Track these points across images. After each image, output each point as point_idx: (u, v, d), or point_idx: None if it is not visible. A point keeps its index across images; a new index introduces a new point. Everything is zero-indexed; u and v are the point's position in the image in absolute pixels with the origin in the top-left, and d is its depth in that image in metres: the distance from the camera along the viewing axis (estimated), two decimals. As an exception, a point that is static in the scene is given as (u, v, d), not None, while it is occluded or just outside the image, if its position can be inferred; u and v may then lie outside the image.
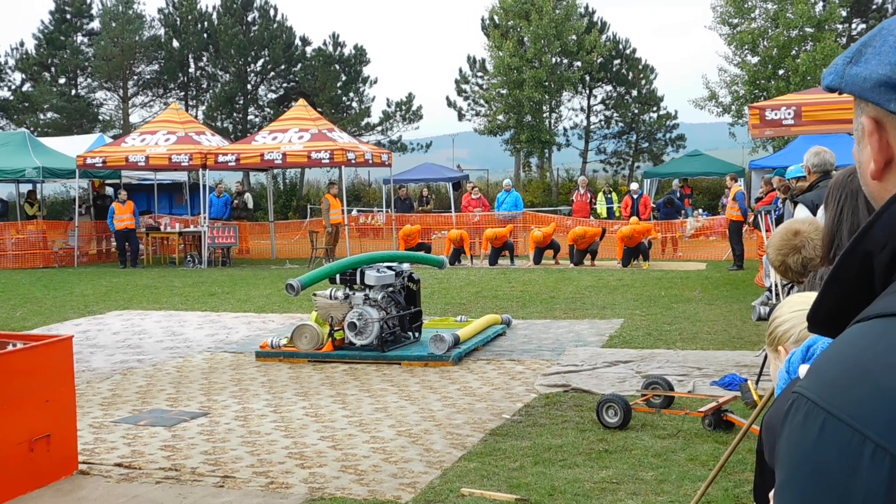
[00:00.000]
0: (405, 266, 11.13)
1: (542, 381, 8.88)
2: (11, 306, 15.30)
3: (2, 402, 5.61)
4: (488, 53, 40.19)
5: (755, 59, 35.14)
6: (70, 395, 6.27)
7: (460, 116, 42.39)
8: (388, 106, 44.29)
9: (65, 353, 6.22)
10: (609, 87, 41.81)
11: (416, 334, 10.88)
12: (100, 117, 44.58)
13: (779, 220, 11.65)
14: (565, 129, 42.09)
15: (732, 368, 8.95)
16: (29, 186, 27.16)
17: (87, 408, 8.05)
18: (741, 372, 8.66)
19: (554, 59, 38.09)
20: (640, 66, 41.25)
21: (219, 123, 42.20)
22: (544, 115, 39.68)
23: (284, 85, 44.61)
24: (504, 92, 38.51)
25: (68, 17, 43.87)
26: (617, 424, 6.95)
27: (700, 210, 29.07)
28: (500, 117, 39.35)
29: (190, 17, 43.24)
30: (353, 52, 44.21)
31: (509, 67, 37.13)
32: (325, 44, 43.98)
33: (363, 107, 44.14)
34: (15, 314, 14.33)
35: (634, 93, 41.29)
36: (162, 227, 24.46)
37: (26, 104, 42.69)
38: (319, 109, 32.07)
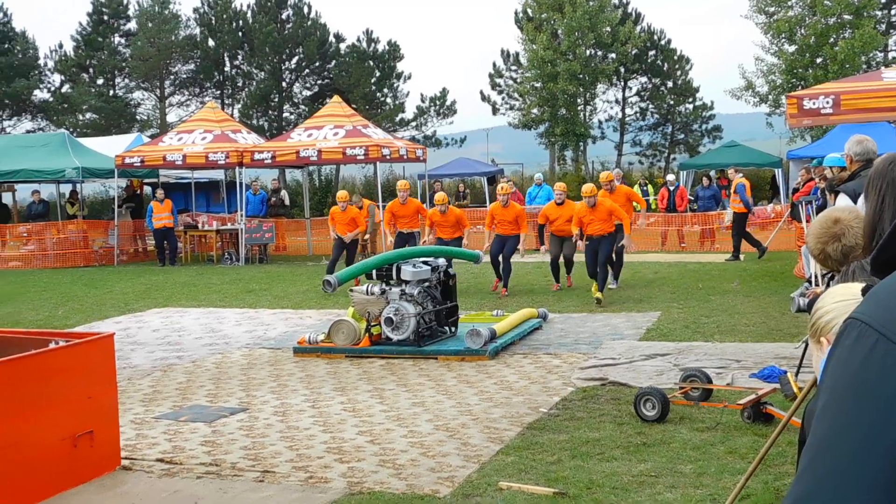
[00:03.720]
0: (441, 261, 11.15)
1: (579, 374, 8.86)
2: (53, 305, 15.52)
3: (46, 399, 5.70)
4: (522, 47, 40.10)
5: (792, 48, 34.73)
6: (112, 391, 6.35)
7: (494, 111, 42.33)
8: (423, 101, 44.37)
9: (106, 351, 6.30)
10: (644, 79, 41.55)
11: (453, 329, 10.89)
12: (137, 117, 45.07)
13: (819, 210, 11.52)
14: (600, 122, 41.92)
15: (771, 360, 8.87)
16: (69, 187, 27.51)
17: (129, 404, 8.16)
18: (780, 364, 8.58)
19: (588, 52, 37.90)
20: (676, 57, 40.95)
21: (254, 121, 42.49)
22: (579, 108, 39.50)
23: (319, 82, 44.80)
24: (538, 85, 38.39)
25: (105, 18, 44.37)
26: (655, 417, 6.93)
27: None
28: (535, 111, 39.23)
29: (225, 16, 43.55)
30: (387, 47, 44.30)
31: (543, 60, 36.99)
32: (358, 40, 44.14)
33: (397, 102, 44.22)
34: (57, 313, 14.53)
35: (670, 84, 41.01)
36: (200, 226, 24.68)
37: (65, 105, 43.26)
38: (354, 106, 32.16)
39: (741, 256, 19.21)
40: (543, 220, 15.20)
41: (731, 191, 19.76)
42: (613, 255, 14.40)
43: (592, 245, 13.71)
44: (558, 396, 7.98)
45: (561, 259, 15.06)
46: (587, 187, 14.49)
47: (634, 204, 17.14)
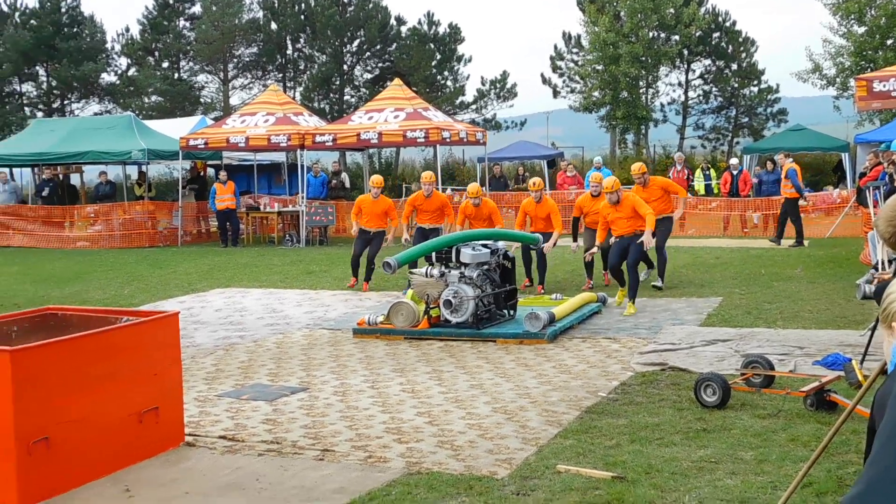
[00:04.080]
0: (500, 244, 11.15)
1: (639, 359, 8.81)
2: (119, 284, 15.85)
3: (114, 375, 5.84)
4: (584, 29, 39.69)
5: (862, 29, 33.87)
6: (177, 369, 6.47)
7: (555, 93, 42.02)
8: (483, 84, 44.19)
9: (172, 329, 6.43)
10: (708, 61, 40.86)
11: (512, 312, 10.90)
12: (201, 100, 45.63)
13: (888, 195, 11.27)
14: (662, 105, 41.33)
15: (836, 348, 8.73)
16: (135, 168, 28.00)
17: (192, 382, 8.31)
18: (845, 351, 8.44)
19: (651, 34, 37.39)
20: (740, 39, 40.18)
21: (316, 104, 42.74)
22: (641, 91, 39.01)
23: (380, 65, 44.89)
24: (600, 68, 37.99)
25: (171, 2, 44.95)
26: (715, 403, 6.87)
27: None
28: (596, 94, 38.85)
29: (287, 0, 43.83)
30: (448, 30, 44.20)
31: (605, 43, 36.59)
32: (419, 23, 44.08)
33: (458, 85, 44.13)
34: (123, 292, 14.84)
35: (734, 66, 40.27)
36: (261, 207, 24.98)
37: (131, 88, 43.96)
38: (414, 89, 32.21)
39: (805, 242, 18.93)
40: (578, 213, 13.90)
41: (783, 176, 19.55)
42: (656, 251, 13.29)
43: (622, 241, 12.03)
44: (617, 381, 7.95)
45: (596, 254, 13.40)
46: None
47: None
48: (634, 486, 5.26)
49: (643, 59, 36.94)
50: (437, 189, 15.88)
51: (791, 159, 20.42)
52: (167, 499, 5.35)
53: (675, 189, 14.23)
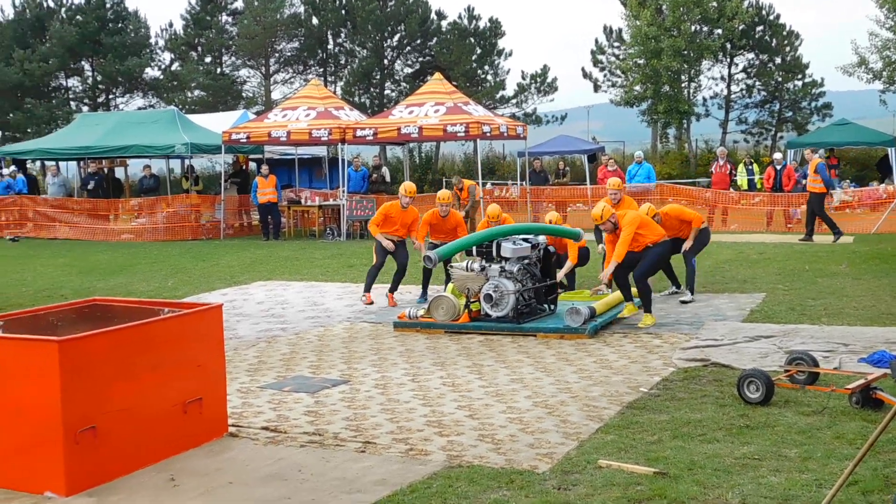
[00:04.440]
0: (541, 238, 11.12)
1: (681, 355, 8.75)
2: (163, 276, 16.03)
3: (158, 366, 5.91)
4: (625, 23, 39.42)
5: (910, 22, 33.32)
6: (220, 360, 6.54)
7: (596, 88, 41.80)
8: (523, 78, 44.08)
9: (215, 321, 6.49)
10: (751, 55, 40.38)
11: (552, 307, 10.88)
12: (243, 94, 45.99)
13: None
14: (704, 99, 40.94)
15: (882, 345, 8.61)
16: (178, 162, 28.29)
17: (235, 373, 8.39)
18: (891, 349, 8.33)
19: (693, 27, 37.04)
20: (784, 33, 39.67)
21: (356, 98, 42.90)
22: (683, 85, 38.68)
23: (420, 59, 44.95)
24: (641, 62, 37.70)
25: (213, -3, 45.37)
26: (758, 400, 6.80)
27: (848, 181, 27.90)
28: (637, 88, 38.57)
29: (328, -5, 44.01)
30: (488, 24, 44.13)
31: (647, 37, 36.29)
32: (459, 17, 44.06)
33: (498, 80, 44.06)
34: (166, 284, 15.01)
35: (778, 60, 39.78)
36: (302, 201, 25.12)
37: (175, 83, 44.42)
38: (455, 83, 32.18)
39: (841, 233, 18.80)
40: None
41: (811, 171, 19.34)
42: (684, 261, 12.17)
43: (632, 255, 10.66)
44: (659, 376, 7.91)
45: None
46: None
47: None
48: (676, 482, 5.23)
49: (685, 52, 36.62)
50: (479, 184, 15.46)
51: (818, 154, 20.33)
52: (211, 488, 5.41)
53: (688, 217, 12.39)
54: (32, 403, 5.34)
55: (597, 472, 5.46)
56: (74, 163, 29.06)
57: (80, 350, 5.38)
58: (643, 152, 26.15)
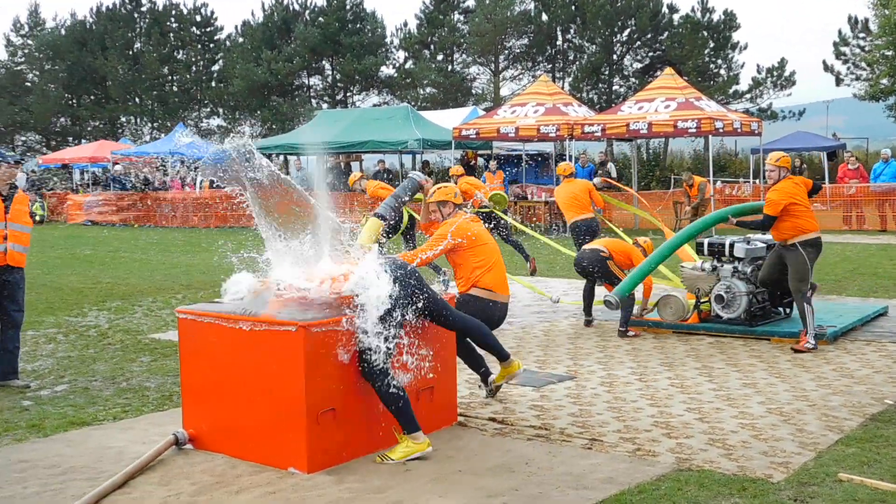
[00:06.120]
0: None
1: (931, 367, 8.17)
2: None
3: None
4: (873, 13, 37.14)
5: None
6: (452, 350, 6.71)
7: (838, 81, 39.67)
8: (759, 72, 42.55)
9: (448, 312, 6.65)
10: None
11: (788, 310, 10.43)
12: (472, 91, 46.87)
13: None
14: (961, 93, 37.96)
15: None
16: (409, 157, 29.20)
17: (462, 364, 8.56)
18: None
19: (950, 15, 34.39)
20: None
21: (584, 94, 42.75)
22: (936, 78, 36.01)
23: (650, 54, 44.25)
24: (889, 53, 35.40)
25: (446, -4, 46.53)
26: None
27: None
28: (884, 81, 36.23)
29: (559, -10, 44.09)
30: (723, 17, 42.86)
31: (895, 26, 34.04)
32: (692, 10, 43.06)
33: (731, 74, 42.68)
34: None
35: None
36: (529, 197, 25.30)
37: (408, 80, 45.90)
38: (686, 78, 31.41)
39: None
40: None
41: None
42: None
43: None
44: (906, 389, 7.42)
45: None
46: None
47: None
48: (926, 503, 4.90)
49: (940, 42, 34.04)
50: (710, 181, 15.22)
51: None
52: (442, 475, 5.57)
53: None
54: (280, 385, 5.68)
55: (837, 486, 5.20)
56: (314, 158, 30.57)
57: (322, 334, 5.65)
58: (890, 150, 24.50)
